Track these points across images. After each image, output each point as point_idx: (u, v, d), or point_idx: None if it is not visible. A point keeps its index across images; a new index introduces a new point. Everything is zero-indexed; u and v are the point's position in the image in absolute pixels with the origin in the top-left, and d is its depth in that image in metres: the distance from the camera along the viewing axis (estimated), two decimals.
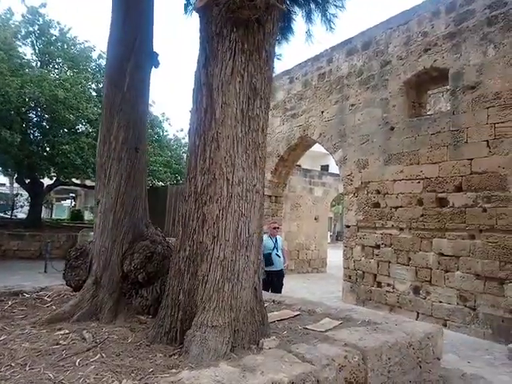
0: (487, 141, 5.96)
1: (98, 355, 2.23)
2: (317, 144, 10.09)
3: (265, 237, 5.99)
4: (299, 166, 13.69)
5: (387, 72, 7.77)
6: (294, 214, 12.12)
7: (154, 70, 3.89)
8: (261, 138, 2.54)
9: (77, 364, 2.10)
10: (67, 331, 2.60)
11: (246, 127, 2.42)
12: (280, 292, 5.53)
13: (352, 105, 8.51)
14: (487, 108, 5.97)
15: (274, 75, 11.19)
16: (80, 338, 2.50)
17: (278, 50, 5.46)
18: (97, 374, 1.97)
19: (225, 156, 2.34)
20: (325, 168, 24.43)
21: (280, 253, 5.83)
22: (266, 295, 3.93)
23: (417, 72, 7.18)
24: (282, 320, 3.03)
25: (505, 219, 5.60)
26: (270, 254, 5.72)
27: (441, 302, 6.29)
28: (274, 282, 5.69)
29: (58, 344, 2.39)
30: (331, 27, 4.58)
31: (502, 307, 5.43)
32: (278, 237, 5.99)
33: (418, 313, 6.57)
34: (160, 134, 15.82)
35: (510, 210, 5.52)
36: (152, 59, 3.85)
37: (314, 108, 9.55)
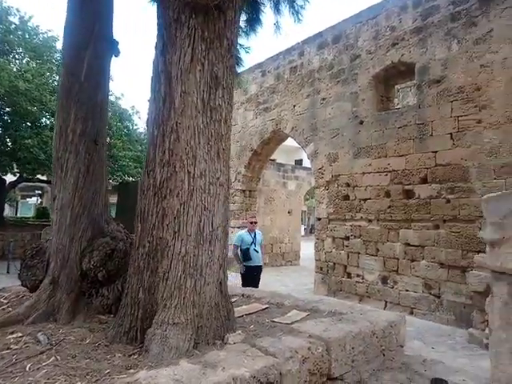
0: (451, 134, 6.16)
1: (52, 358, 2.11)
2: (290, 138, 10.12)
3: (243, 232, 5.93)
4: (273, 160, 13.71)
5: (357, 66, 7.85)
6: (267, 208, 12.15)
7: (115, 59, 3.73)
8: (224, 128, 2.47)
9: (27, 369, 1.98)
10: (20, 334, 2.45)
11: (208, 117, 2.35)
12: (257, 286, 5.51)
13: (323, 99, 8.57)
14: (451, 102, 6.16)
15: (246, 68, 11.07)
16: (34, 341, 2.36)
17: (246, 42, 5.38)
18: (48, 379, 1.86)
19: (185, 147, 2.26)
20: (299, 162, 24.60)
21: (258, 248, 5.78)
22: (237, 289, 3.89)
23: (385, 66, 7.31)
24: (250, 314, 3.00)
25: (467, 209, 5.83)
26: (248, 249, 5.66)
27: (407, 290, 6.49)
28: (252, 276, 5.66)
29: (8, 349, 2.24)
30: (299, 19, 4.54)
31: (463, 294, 5.66)
32: (256, 232, 5.93)
33: (386, 302, 6.76)
34: (130, 128, 15.38)
35: (472, 201, 5.74)
36: (112, 47, 3.68)
37: (286, 102, 9.55)
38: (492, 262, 2.02)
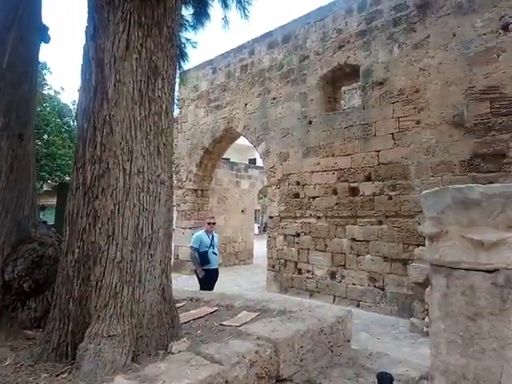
0: (392, 134, 6.48)
1: None
2: (243, 137, 10.05)
3: (201, 233, 5.66)
4: (227, 159, 13.57)
5: (306, 67, 7.98)
6: (221, 208, 11.99)
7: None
8: (165, 122, 2.31)
9: None
10: None
11: (146, 110, 2.17)
12: (212, 289, 5.32)
13: (274, 98, 8.61)
14: (392, 103, 6.47)
15: (196, 65, 10.77)
16: None
17: (194, 36, 5.22)
18: None
19: (120, 142, 2.06)
20: (252, 161, 24.68)
21: (216, 250, 5.59)
22: (185, 294, 3.72)
23: (332, 68, 7.50)
24: (198, 318, 2.86)
25: (407, 205, 6.16)
26: (207, 252, 5.43)
27: (354, 284, 6.73)
28: (210, 280, 5.44)
29: None
30: (246, 14, 4.47)
31: (405, 285, 5.98)
32: (214, 234, 5.72)
33: (334, 296, 6.96)
34: (70, 125, 14.36)
35: (412, 197, 6.07)
36: (41, 33, 3.33)
37: (237, 100, 9.46)
38: (431, 256, 2.06)
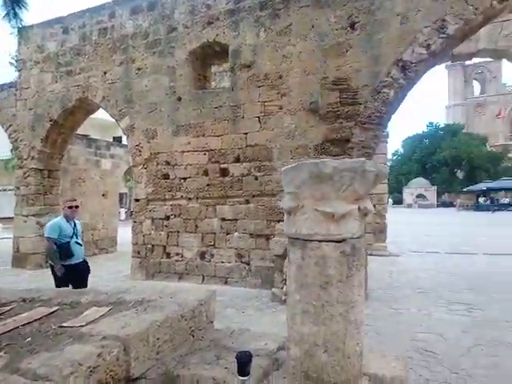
0: (259, 117, 6.70)
1: None
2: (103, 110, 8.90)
3: (59, 220, 4.58)
4: (85, 135, 11.91)
5: (174, 39, 7.51)
6: (75, 191, 10.48)
7: None
8: None
9: None
10: None
11: None
12: (86, 286, 4.41)
13: (139, 69, 7.86)
14: (259, 87, 6.67)
15: (43, 21, 8.97)
16: None
17: None
18: None
19: None
20: (118, 140, 22.59)
21: (80, 240, 4.61)
22: (16, 293, 3.02)
23: (201, 43, 7.25)
24: (30, 323, 2.32)
25: (270, 185, 6.54)
26: (69, 242, 4.44)
27: (223, 262, 6.87)
28: (78, 276, 4.47)
29: None
30: None
31: (267, 259, 6.40)
32: (76, 220, 4.72)
33: (203, 276, 6.97)
34: None
35: (274, 178, 6.45)
36: None
37: (94, 67, 8.29)
38: (289, 229, 2.10)
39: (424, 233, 15.99)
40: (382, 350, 2.91)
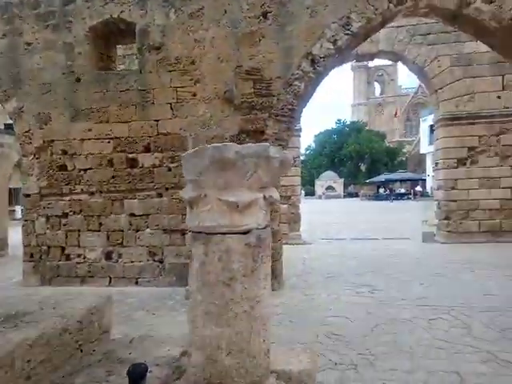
0: (171, 104, 6.29)
1: None
2: None
3: None
4: None
5: (71, 12, 6.62)
6: None
7: None
8: None
9: None
10: None
11: None
12: None
13: (28, 43, 6.76)
14: (170, 71, 6.24)
15: None
16: None
17: None
18: None
19: None
20: (9, 127, 19.50)
21: None
22: None
23: (104, 20, 6.51)
24: None
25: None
26: None
27: (132, 261, 6.34)
28: None
29: None
30: None
31: (183, 255, 6.09)
32: None
33: (110, 278, 6.37)
34: None
35: None
36: None
37: None
38: (191, 222, 1.90)
39: (332, 221, 17.22)
40: (291, 341, 2.90)
